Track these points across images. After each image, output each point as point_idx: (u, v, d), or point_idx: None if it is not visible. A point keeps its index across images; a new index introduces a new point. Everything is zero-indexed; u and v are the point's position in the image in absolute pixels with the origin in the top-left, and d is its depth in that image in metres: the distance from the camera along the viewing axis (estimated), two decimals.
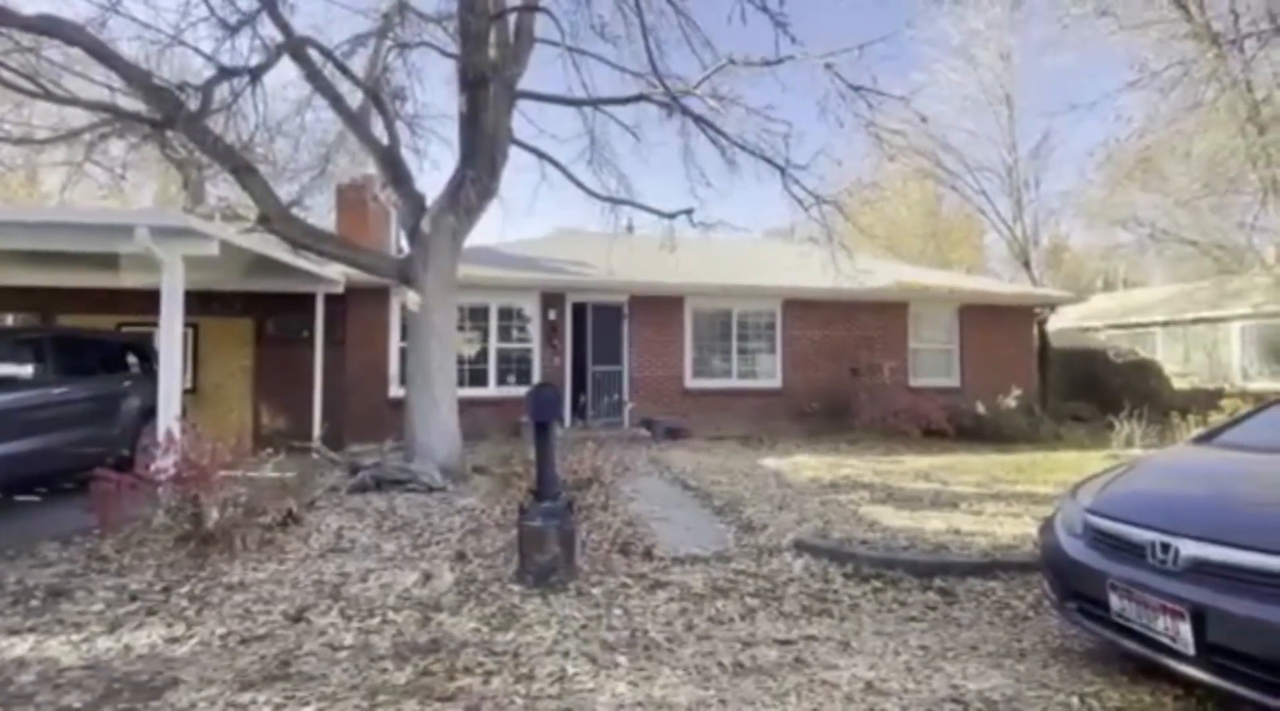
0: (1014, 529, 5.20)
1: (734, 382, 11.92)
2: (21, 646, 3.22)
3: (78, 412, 6.34)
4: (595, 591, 3.98)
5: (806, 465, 8.31)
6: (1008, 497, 6.42)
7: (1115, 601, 2.72)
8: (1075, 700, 2.72)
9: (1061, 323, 17.75)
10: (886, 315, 12.46)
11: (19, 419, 5.62)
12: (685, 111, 7.10)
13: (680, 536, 5.10)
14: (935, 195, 23.46)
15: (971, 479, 7.44)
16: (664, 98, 6.96)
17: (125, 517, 4.78)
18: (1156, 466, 3.69)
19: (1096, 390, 14.03)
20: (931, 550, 4.65)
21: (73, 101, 6.30)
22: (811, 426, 11.45)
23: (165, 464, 4.67)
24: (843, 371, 11.95)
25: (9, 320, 10.31)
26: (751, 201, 34.10)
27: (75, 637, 3.31)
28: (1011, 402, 11.11)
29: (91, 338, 7.41)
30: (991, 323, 12.84)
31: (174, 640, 3.29)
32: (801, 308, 12.09)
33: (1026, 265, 19.20)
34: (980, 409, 10.98)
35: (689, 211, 8.32)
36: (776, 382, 12.03)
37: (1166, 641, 2.51)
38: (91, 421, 6.49)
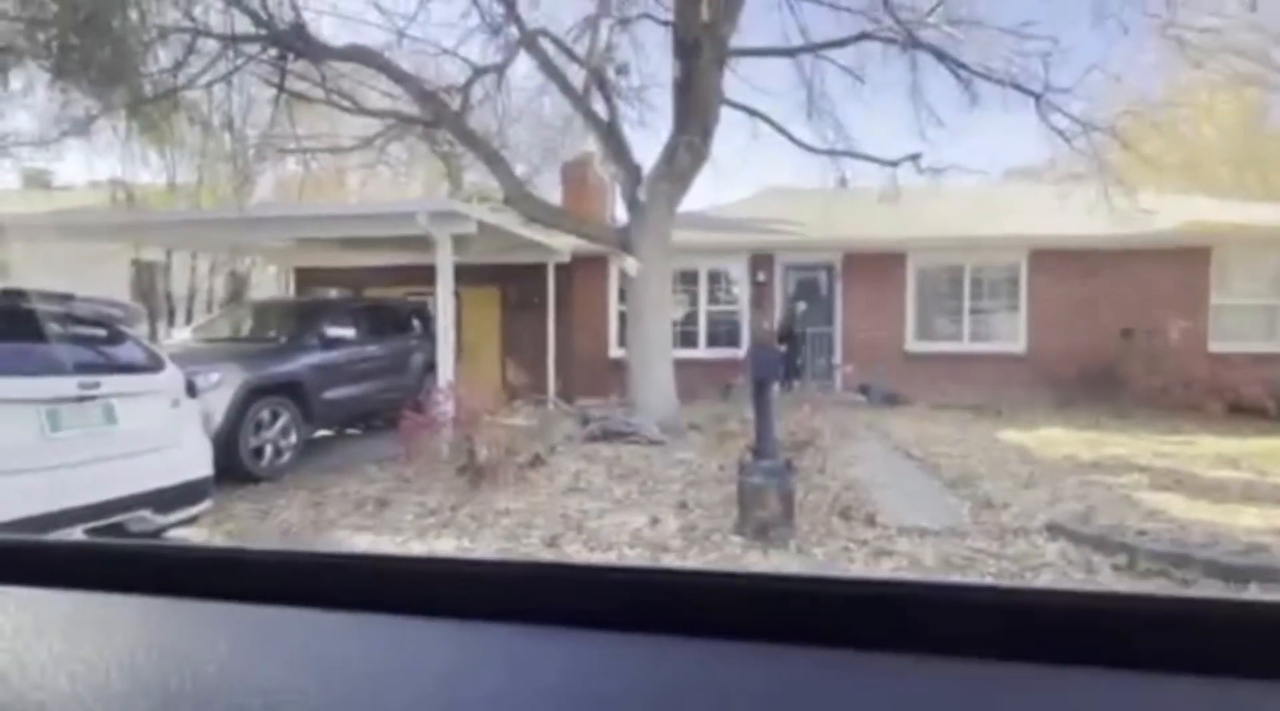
0: None
1: (964, 346, 10.71)
2: (363, 541, 4.24)
3: (383, 366, 7.96)
4: (817, 551, 3.98)
5: (1059, 440, 7.23)
6: None
7: None
8: None
9: None
10: (1177, 264, 10.08)
11: (348, 370, 7.24)
12: (917, 44, 6.38)
13: (905, 506, 4.83)
14: (1258, 106, 18.04)
15: None
16: (892, 32, 6.33)
17: (421, 450, 5.94)
18: None
19: None
20: (1243, 551, 3.78)
21: (371, 112, 7.75)
22: (1063, 396, 9.86)
23: (447, 409, 5.69)
24: (1108, 333, 10.02)
25: (332, 294, 13.20)
26: (989, 140, 29.62)
27: (398, 539, 4.26)
28: None
29: (389, 305, 9.19)
30: None
31: (465, 550, 4.05)
32: (1055, 259, 10.33)
33: None
34: None
35: (915, 157, 7.58)
36: (1019, 346, 10.54)
37: None
38: (391, 373, 8.11)
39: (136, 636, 0.61)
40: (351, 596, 0.63)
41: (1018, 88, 6.52)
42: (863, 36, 6.85)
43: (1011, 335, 10.64)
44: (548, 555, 3.95)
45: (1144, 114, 7.92)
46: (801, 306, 10.39)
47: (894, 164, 7.69)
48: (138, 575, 0.69)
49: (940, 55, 6.48)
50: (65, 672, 0.54)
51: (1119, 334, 9.96)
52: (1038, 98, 6.58)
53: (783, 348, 8.99)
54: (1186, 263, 10.09)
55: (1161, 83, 10.40)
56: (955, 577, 3.29)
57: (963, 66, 6.49)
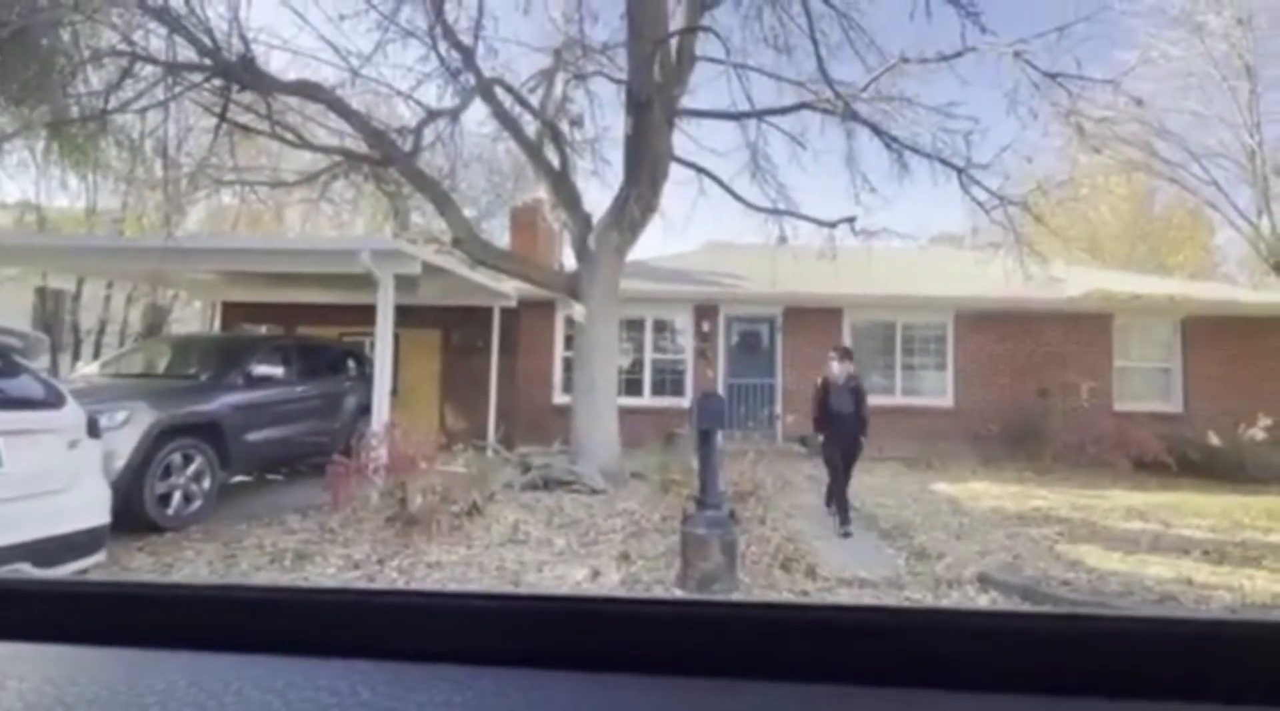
0: (1273, 586, 4.29)
1: (897, 400, 11.15)
2: None
3: (312, 408, 7.55)
4: None
5: (986, 493, 7.54)
6: (1259, 548, 5.31)
7: None
8: None
9: None
10: (1085, 329, 10.94)
11: (273, 411, 6.83)
12: (853, 116, 6.85)
13: (844, 558, 4.87)
14: (1146, 190, 20.21)
15: (1204, 522, 6.26)
16: (829, 104, 6.79)
17: (349, 497, 5.60)
18: None
19: None
20: (1156, 600, 3.98)
21: (318, 148, 7.61)
22: (989, 451, 10.35)
23: (380, 454, 5.42)
24: (1027, 391, 10.68)
25: (262, 330, 12.57)
26: (917, 207, 31.84)
27: None
28: (1260, 434, 9.18)
29: (323, 345, 8.81)
30: (1228, 337, 10.74)
31: None
32: (978, 320, 11.02)
33: (1279, 267, 15.83)
34: (1214, 440, 9.21)
35: (851, 219, 8.00)
36: (947, 401, 11.06)
37: None
38: (321, 415, 7.70)
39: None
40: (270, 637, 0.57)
41: (943, 161, 7.07)
42: (802, 106, 7.31)
43: (940, 390, 11.16)
44: None
45: (1051, 192, 8.75)
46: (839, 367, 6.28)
47: (831, 225, 8.09)
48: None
49: (874, 128, 6.97)
50: None
51: (1036, 392, 10.62)
52: (960, 171, 7.14)
53: (820, 437, 6.01)
54: (1093, 328, 10.96)
55: (1065, 165, 11.55)
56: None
57: (894, 139, 7.00)
